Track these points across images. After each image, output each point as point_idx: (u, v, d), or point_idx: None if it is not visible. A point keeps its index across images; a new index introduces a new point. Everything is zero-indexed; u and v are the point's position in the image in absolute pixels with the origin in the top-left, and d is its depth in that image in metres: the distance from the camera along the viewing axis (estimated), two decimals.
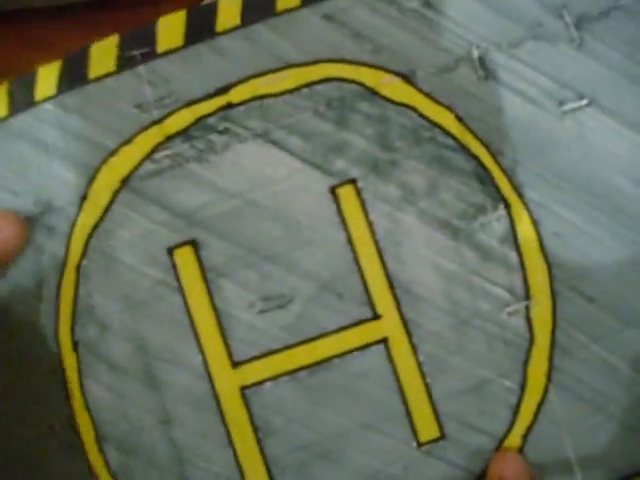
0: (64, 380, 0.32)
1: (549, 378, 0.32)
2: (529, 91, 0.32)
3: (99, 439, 0.32)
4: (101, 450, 0.32)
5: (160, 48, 0.32)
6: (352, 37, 0.32)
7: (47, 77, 0.32)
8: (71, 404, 0.32)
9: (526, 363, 0.32)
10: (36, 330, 0.32)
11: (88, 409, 0.32)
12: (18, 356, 0.32)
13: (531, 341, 0.32)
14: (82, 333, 0.32)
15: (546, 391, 0.32)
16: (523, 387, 0.32)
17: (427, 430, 0.32)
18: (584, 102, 0.32)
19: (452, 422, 0.32)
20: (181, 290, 0.32)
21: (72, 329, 0.32)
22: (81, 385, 0.32)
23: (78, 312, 0.32)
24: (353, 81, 0.32)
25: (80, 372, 0.32)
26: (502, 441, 0.32)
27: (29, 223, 0.32)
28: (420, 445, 0.32)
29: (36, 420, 0.32)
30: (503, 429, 0.32)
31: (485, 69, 0.32)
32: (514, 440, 0.32)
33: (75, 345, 0.32)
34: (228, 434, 0.32)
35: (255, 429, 0.32)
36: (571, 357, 0.32)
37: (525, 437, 0.32)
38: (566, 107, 0.32)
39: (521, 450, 0.32)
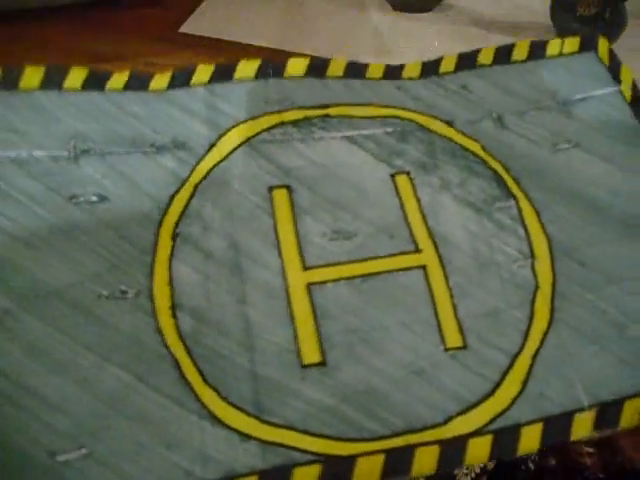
0: (152, 260, 0.40)
1: (552, 314, 0.40)
2: (532, 137, 0.47)
3: (174, 307, 0.39)
4: (174, 316, 0.39)
5: (286, 73, 0.48)
6: (412, 99, 0.48)
7: (203, 71, 0.47)
8: (152, 279, 0.40)
9: (533, 301, 0.41)
10: (140, 220, 0.41)
11: (170, 285, 0.40)
12: (113, 238, 0.41)
13: (536, 286, 0.41)
14: (185, 229, 0.42)
15: (550, 323, 0.40)
16: (531, 318, 0.40)
17: (453, 339, 0.39)
18: (571, 145, 0.47)
19: (473, 336, 0.39)
20: (273, 215, 0.43)
21: (176, 225, 0.42)
22: (169, 266, 0.40)
23: (186, 214, 0.42)
24: (411, 120, 0.47)
25: (172, 256, 0.41)
26: (515, 358, 0.39)
27: (163, 152, 0.44)
28: (446, 350, 0.39)
29: (111, 281, 0.39)
30: (515, 349, 0.39)
31: (501, 123, 0.48)
32: (525, 360, 0.39)
33: (175, 236, 0.41)
34: (292, 317, 0.39)
35: (314, 314, 0.39)
36: (569, 301, 0.41)
37: (534, 357, 0.39)
38: (558, 147, 0.47)
39: (531, 369, 0.39)
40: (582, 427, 0.37)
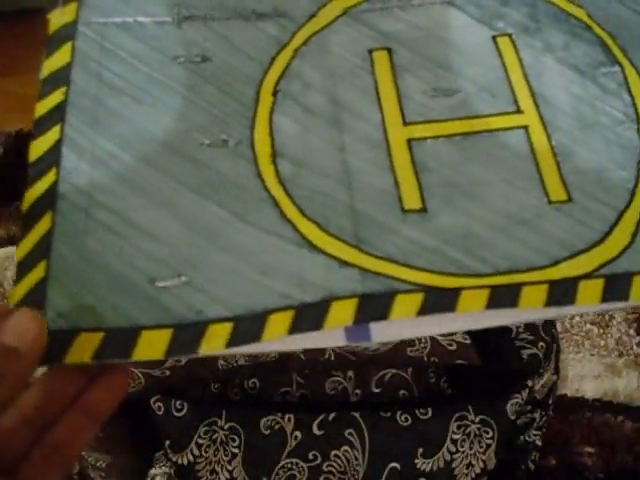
0: (253, 114, 0.41)
1: None
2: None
3: (274, 155, 0.40)
4: (274, 163, 0.39)
5: None
6: None
7: None
8: (253, 130, 0.40)
9: (639, 163, 0.40)
10: (242, 78, 0.42)
11: (271, 135, 0.40)
12: (216, 93, 0.42)
13: None
14: (285, 85, 0.42)
15: None
16: (637, 178, 0.39)
17: (556, 192, 0.39)
18: None
19: (579, 191, 0.39)
20: (373, 74, 0.43)
21: (276, 83, 0.42)
22: (270, 120, 0.41)
23: (286, 74, 0.42)
24: None
25: (272, 110, 0.41)
26: (622, 213, 0.38)
27: (264, 18, 0.44)
28: (550, 202, 0.38)
29: (213, 131, 0.40)
30: (623, 205, 0.38)
31: None
32: (633, 215, 0.38)
33: (275, 92, 0.42)
34: (392, 166, 0.39)
35: (414, 166, 0.39)
36: None
37: None
38: None
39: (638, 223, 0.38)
40: None
